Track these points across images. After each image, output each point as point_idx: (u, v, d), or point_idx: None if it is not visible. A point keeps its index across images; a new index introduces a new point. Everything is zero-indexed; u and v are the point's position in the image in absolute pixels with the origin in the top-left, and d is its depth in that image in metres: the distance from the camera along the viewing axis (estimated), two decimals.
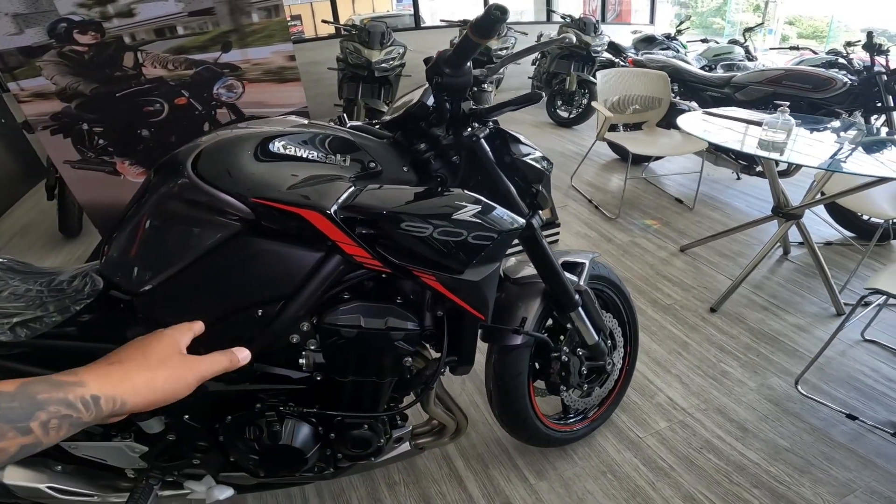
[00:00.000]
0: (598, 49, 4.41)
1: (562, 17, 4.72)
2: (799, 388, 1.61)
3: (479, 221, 0.81)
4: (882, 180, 1.72)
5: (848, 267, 2.29)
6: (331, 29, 6.36)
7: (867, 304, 1.89)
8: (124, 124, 2.12)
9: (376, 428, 0.93)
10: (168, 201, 0.76)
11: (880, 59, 2.64)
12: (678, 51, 4.73)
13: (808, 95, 2.73)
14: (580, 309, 1.17)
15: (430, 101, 0.86)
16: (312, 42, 5.76)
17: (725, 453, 1.42)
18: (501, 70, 4.48)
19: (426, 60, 0.85)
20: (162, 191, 0.76)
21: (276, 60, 2.18)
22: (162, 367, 0.52)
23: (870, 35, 2.64)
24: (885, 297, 1.39)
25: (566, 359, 1.23)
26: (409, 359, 0.88)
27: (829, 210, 2.54)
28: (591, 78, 4.31)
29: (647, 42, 4.98)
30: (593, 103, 2.98)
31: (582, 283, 1.19)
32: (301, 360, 0.83)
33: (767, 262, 2.37)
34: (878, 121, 2.88)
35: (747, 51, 4.86)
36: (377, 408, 0.92)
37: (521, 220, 0.87)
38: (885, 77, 2.58)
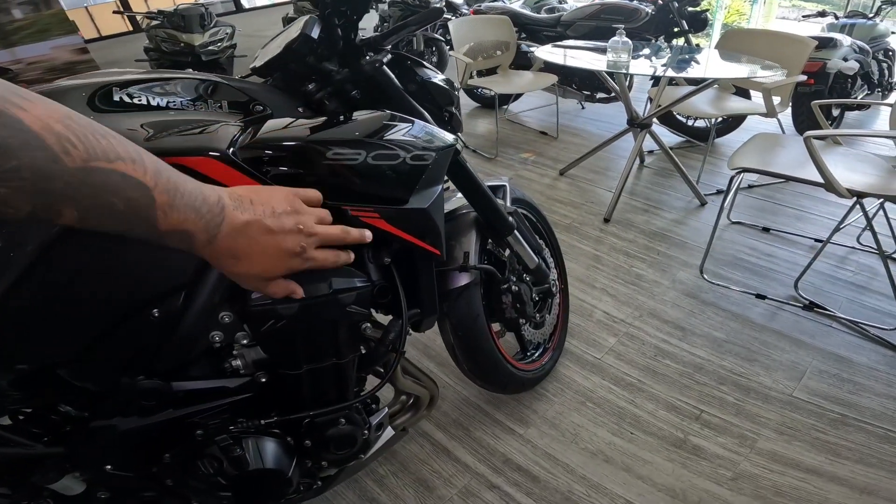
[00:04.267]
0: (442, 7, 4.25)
1: None
2: (704, 276, 1.78)
3: (414, 139, 0.72)
4: (711, 82, 2.08)
5: (690, 164, 2.63)
6: (120, 27, 5.90)
7: (724, 191, 2.17)
8: None
9: (354, 419, 0.78)
10: None
11: None
12: (505, 1, 4.83)
13: (622, 26, 2.98)
14: (516, 232, 1.12)
15: (315, 33, 0.75)
16: (99, 42, 5.52)
17: (678, 356, 1.49)
18: None
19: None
20: None
21: (61, 56, 1.99)
22: None
23: None
24: (741, 177, 1.60)
25: (516, 288, 1.17)
26: (368, 325, 0.72)
27: (662, 121, 2.91)
28: (437, 35, 4.24)
29: None
30: (451, 53, 2.92)
31: (509, 205, 1.14)
32: (235, 362, 0.66)
33: (631, 172, 2.59)
34: (676, 43, 3.24)
35: None
36: (347, 395, 0.76)
37: (452, 137, 0.81)
38: (676, 4, 2.95)
